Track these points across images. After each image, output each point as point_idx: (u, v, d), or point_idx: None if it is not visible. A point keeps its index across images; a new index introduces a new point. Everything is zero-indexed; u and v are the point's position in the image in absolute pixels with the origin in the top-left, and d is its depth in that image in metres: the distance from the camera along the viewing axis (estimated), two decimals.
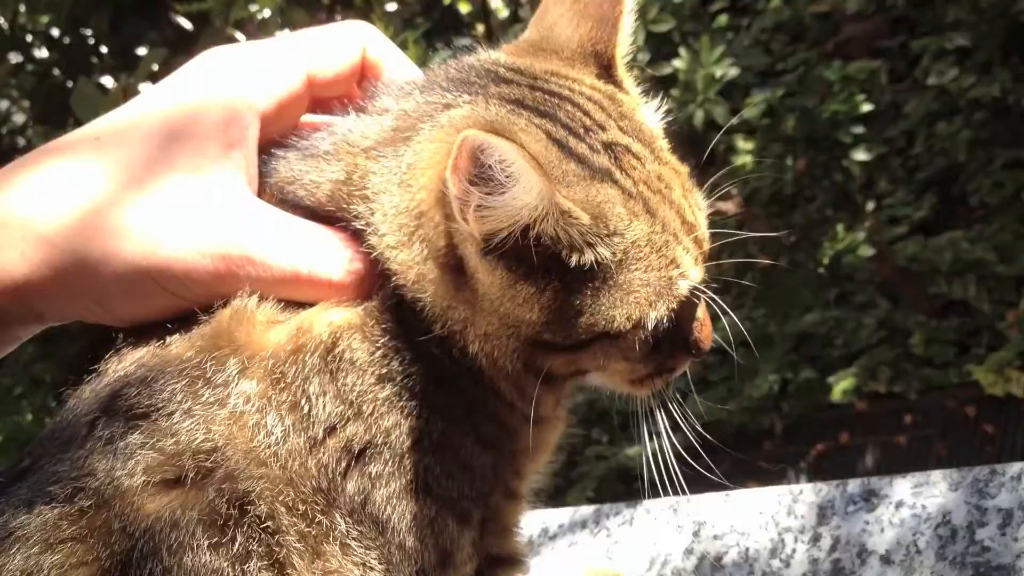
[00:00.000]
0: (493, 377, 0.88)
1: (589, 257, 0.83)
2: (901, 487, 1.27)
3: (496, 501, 0.92)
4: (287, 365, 0.82)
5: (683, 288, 0.88)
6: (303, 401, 0.82)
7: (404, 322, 0.85)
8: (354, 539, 0.81)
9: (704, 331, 0.98)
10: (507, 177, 0.77)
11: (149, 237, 0.81)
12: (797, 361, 4.08)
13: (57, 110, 4.14)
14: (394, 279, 0.85)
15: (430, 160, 0.84)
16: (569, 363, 0.90)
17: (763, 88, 4.34)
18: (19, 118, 4.88)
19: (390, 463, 0.83)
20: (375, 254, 0.85)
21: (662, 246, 0.87)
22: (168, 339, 0.84)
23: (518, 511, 0.98)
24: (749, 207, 3.81)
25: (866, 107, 3.43)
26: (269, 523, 0.79)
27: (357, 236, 0.87)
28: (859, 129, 3.48)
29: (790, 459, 4.11)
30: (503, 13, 3.29)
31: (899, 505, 1.25)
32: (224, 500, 0.78)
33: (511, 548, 0.97)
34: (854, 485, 1.31)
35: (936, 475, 1.26)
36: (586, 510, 1.50)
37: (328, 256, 0.85)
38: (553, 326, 0.85)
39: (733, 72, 2.96)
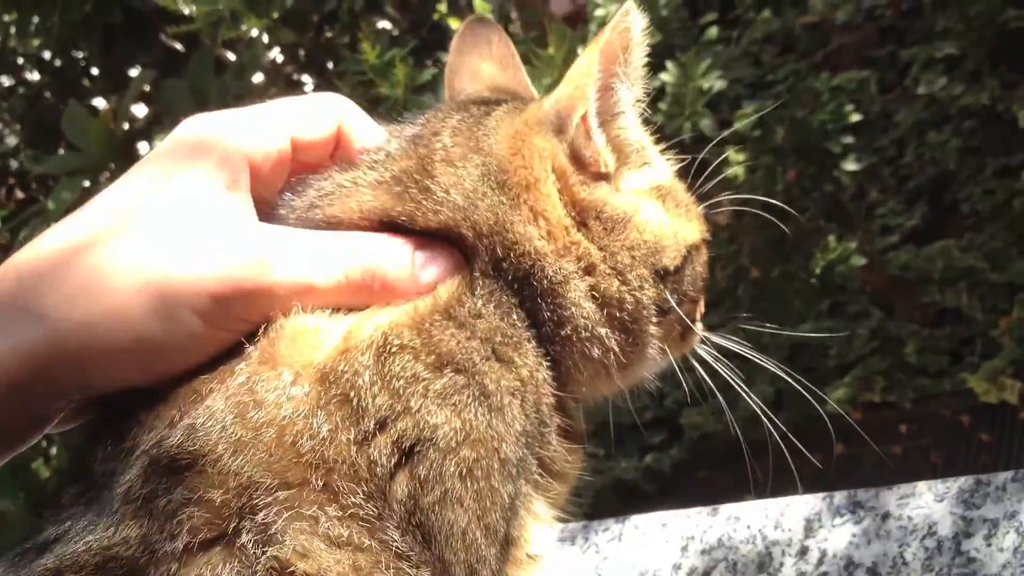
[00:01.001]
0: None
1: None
2: (887, 499, 1.27)
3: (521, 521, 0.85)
4: (338, 364, 0.77)
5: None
6: (352, 394, 0.75)
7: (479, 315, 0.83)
8: (405, 559, 0.74)
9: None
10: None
11: (173, 264, 0.77)
12: (791, 371, 4.07)
13: (48, 133, 4.15)
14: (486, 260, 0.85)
15: (524, 124, 0.89)
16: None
17: (754, 100, 4.36)
18: (11, 140, 4.89)
19: (435, 466, 0.76)
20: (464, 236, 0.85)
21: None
22: (209, 377, 0.76)
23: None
24: (740, 218, 3.81)
25: (855, 117, 3.44)
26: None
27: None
28: (848, 139, 3.48)
29: (785, 470, 4.10)
30: None
31: (885, 517, 1.26)
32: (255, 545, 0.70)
33: None
34: (840, 497, 1.31)
35: (922, 486, 1.26)
36: (575, 526, 1.50)
37: (391, 251, 0.84)
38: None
39: (720, 84, 2.97)
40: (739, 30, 5.63)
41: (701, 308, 1.01)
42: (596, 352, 0.87)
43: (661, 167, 0.96)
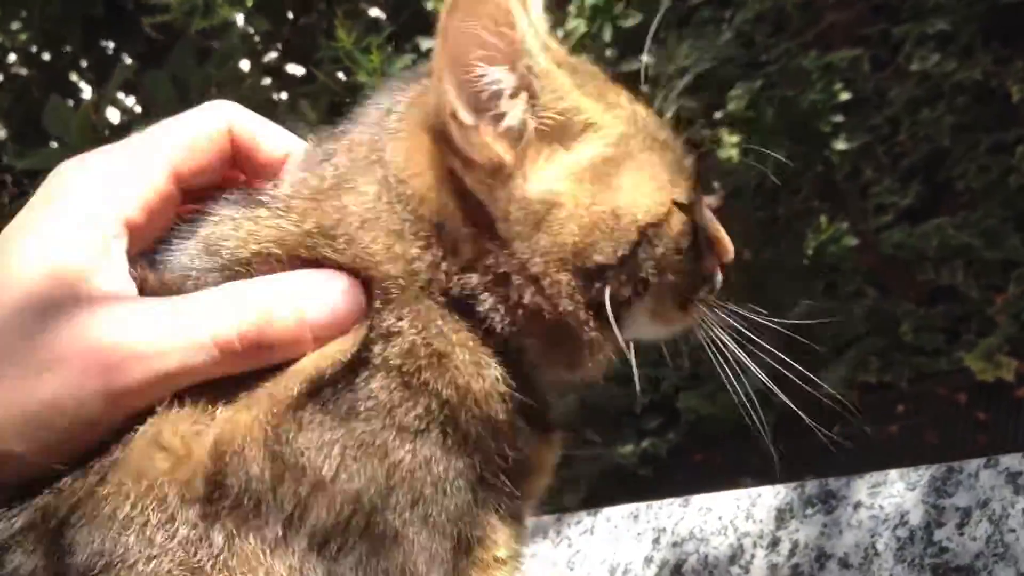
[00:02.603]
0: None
1: None
2: (858, 488, 1.25)
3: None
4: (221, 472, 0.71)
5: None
6: (247, 500, 0.70)
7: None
8: None
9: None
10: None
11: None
12: (786, 354, 4.05)
13: (35, 128, 4.13)
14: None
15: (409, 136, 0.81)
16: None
17: (746, 81, 4.32)
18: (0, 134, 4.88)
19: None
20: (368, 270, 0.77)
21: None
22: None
23: None
24: (732, 200, 3.78)
25: (844, 96, 3.40)
26: None
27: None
28: (839, 118, 3.44)
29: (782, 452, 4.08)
30: None
31: (857, 506, 1.23)
32: None
33: None
34: (812, 487, 1.28)
35: (893, 474, 1.23)
36: (547, 519, 1.48)
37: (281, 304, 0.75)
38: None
39: (703, 66, 2.93)
40: (731, 11, 5.58)
41: (715, 272, 0.92)
42: (532, 357, 0.82)
43: (605, 133, 0.83)
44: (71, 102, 4.02)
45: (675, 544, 1.32)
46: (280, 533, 0.70)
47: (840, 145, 3.39)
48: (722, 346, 0.91)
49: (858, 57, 4.48)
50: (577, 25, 2.50)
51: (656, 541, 1.34)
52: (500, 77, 0.77)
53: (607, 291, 0.81)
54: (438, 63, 0.77)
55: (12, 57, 4.53)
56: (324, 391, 0.73)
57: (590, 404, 4.53)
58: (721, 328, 0.91)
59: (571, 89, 0.82)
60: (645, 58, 2.74)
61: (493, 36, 0.76)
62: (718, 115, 4.03)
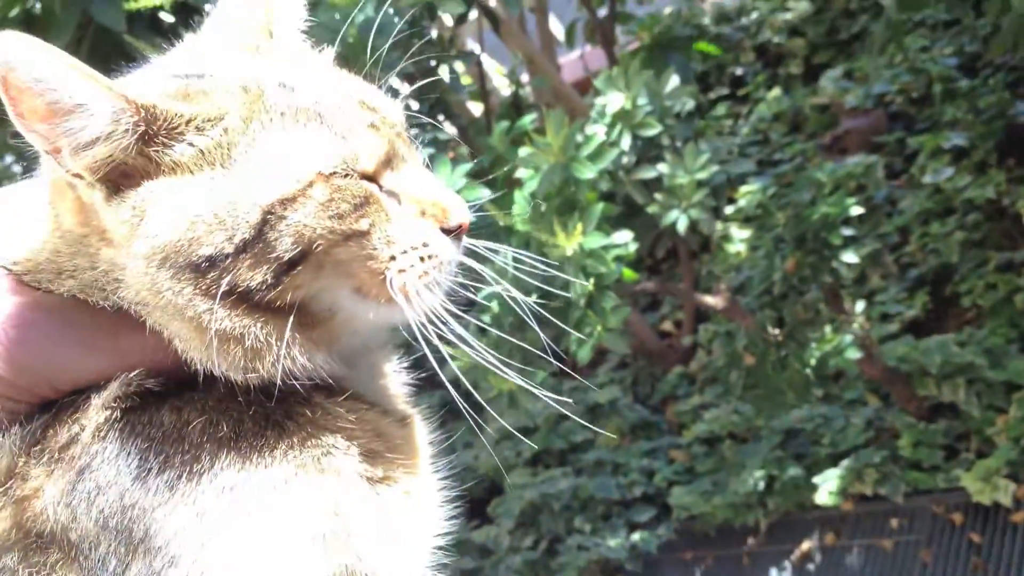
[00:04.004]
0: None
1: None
2: None
3: None
4: None
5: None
6: None
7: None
8: None
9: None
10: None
11: None
12: (783, 458, 4.03)
13: None
14: None
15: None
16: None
17: (761, 177, 4.35)
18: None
19: None
20: None
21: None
22: None
23: None
24: (737, 304, 3.79)
25: (856, 210, 3.42)
26: None
27: None
28: (849, 231, 3.46)
29: (774, 558, 4.05)
30: None
31: None
32: None
33: None
34: None
35: None
36: None
37: None
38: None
39: (720, 179, 2.96)
40: (748, 106, 5.65)
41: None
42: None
43: (224, 122, 0.86)
44: None
45: None
46: None
47: (849, 258, 3.40)
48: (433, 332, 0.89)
49: (872, 164, 4.51)
50: (596, 132, 2.53)
51: None
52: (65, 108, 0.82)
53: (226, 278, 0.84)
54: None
55: None
56: None
57: (581, 492, 4.50)
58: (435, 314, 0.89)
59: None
60: (663, 167, 2.75)
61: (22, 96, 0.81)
62: (729, 210, 4.06)
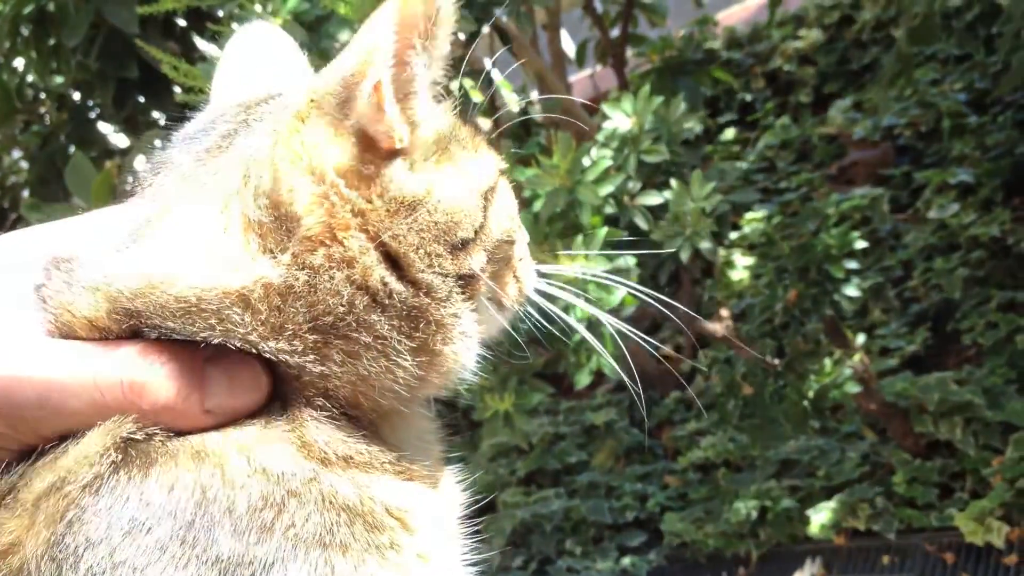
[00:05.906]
0: None
1: None
2: None
3: None
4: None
5: None
6: None
7: None
8: None
9: None
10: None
11: None
12: (777, 488, 4.02)
13: (57, 175, 4.15)
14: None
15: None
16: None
17: (767, 205, 4.34)
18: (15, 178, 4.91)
19: None
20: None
21: None
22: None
23: None
24: (737, 332, 3.77)
25: (860, 244, 3.41)
26: None
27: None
28: (852, 264, 3.45)
29: None
30: None
31: None
32: None
33: None
34: None
35: None
36: None
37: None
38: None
39: (725, 208, 2.95)
40: (756, 133, 5.65)
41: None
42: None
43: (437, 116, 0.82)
44: (94, 154, 4.04)
45: None
46: None
47: (851, 291, 3.39)
48: None
49: (878, 197, 4.51)
50: (603, 155, 2.52)
51: None
52: (422, 76, 0.77)
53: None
54: (377, 36, 0.74)
55: (43, 95, 4.57)
56: None
57: (572, 514, 4.48)
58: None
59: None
60: (668, 194, 2.74)
61: (430, 33, 0.75)
62: (733, 236, 4.05)
